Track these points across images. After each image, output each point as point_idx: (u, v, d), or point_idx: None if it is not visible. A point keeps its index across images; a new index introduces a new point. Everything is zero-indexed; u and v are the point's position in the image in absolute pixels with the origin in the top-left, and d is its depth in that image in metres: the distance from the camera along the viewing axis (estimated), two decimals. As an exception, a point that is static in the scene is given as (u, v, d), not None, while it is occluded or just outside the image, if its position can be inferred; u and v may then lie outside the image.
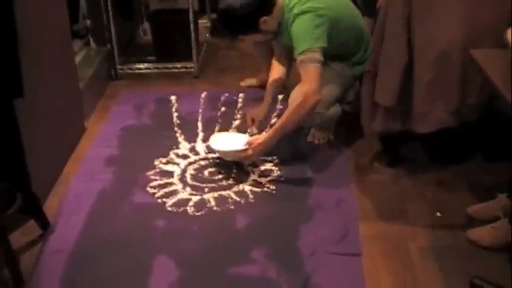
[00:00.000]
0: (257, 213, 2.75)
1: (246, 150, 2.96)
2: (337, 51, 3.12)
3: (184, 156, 3.22)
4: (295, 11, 2.94)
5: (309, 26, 2.90)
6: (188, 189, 2.94)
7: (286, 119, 2.91)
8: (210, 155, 3.21)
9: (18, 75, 2.40)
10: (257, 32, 3.06)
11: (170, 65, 4.21)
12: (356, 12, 3.26)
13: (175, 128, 3.48)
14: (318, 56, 2.88)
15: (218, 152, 3.10)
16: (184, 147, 3.29)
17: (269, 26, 3.03)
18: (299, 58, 2.89)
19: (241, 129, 3.38)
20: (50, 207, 2.80)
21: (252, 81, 3.98)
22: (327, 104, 3.08)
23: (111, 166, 3.14)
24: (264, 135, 3.00)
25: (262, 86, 3.65)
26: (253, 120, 3.31)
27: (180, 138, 3.37)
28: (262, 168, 3.08)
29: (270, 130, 3.01)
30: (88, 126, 3.55)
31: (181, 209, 2.79)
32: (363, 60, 3.15)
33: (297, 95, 2.92)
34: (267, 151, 3.03)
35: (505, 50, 2.16)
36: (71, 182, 3.02)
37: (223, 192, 2.90)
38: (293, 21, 2.94)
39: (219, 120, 3.54)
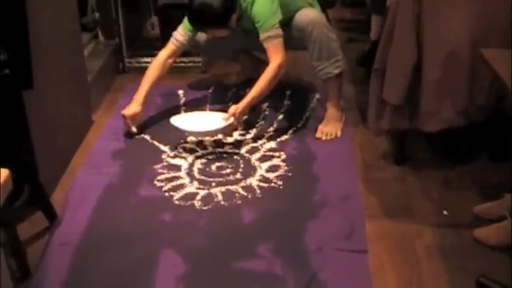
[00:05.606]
0: (264, 208, 2.76)
1: (231, 123, 3.15)
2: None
3: (192, 150, 3.22)
4: None
5: (268, 3, 3.16)
6: (195, 183, 2.94)
7: (263, 86, 3.17)
8: (218, 149, 3.22)
9: (28, 67, 2.41)
10: (226, 28, 3.20)
11: (178, 60, 4.19)
12: None
13: (183, 122, 3.48)
14: (280, 31, 3.17)
15: (201, 133, 3.22)
16: (191, 141, 3.30)
17: (234, 22, 3.20)
18: (266, 34, 3.15)
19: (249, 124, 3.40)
20: (57, 199, 2.81)
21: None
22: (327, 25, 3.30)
23: (119, 159, 3.15)
24: (242, 104, 3.16)
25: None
26: (132, 120, 3.32)
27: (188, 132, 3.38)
28: (270, 163, 3.09)
29: (247, 98, 3.19)
30: (95, 119, 3.56)
31: (189, 203, 2.79)
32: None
33: (271, 66, 3.16)
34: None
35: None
36: (78, 174, 3.03)
37: (231, 187, 2.91)
38: (252, 4, 3.17)
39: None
